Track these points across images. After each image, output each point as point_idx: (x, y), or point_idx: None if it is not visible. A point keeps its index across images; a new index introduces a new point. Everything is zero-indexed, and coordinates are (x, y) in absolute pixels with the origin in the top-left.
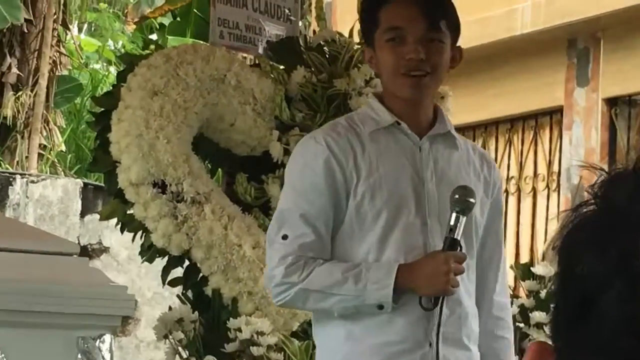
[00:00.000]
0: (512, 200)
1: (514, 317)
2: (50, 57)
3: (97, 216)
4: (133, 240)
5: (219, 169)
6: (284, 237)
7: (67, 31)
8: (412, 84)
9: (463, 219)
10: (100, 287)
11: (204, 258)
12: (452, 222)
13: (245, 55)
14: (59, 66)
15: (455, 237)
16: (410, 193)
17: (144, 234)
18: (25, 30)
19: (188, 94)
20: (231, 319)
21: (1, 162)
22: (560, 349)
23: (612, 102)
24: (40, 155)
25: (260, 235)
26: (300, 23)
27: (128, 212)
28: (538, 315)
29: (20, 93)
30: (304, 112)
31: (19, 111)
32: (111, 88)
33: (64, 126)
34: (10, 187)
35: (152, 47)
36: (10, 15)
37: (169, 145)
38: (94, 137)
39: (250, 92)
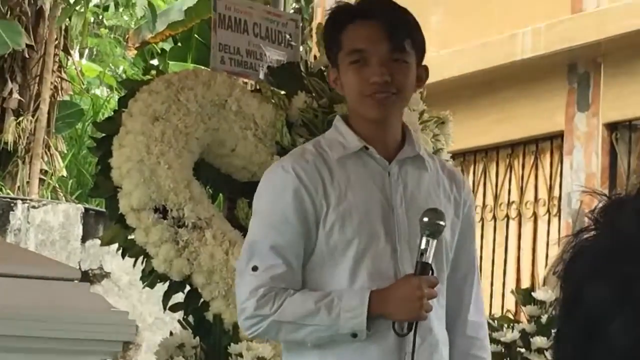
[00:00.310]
0: (513, 224)
1: (515, 342)
2: (51, 83)
3: (98, 241)
4: (134, 265)
5: (220, 195)
6: (254, 269)
7: (69, 56)
8: (377, 104)
9: (433, 242)
10: (102, 313)
11: (205, 283)
12: (422, 246)
13: (246, 80)
14: (60, 91)
15: (426, 261)
16: (379, 220)
17: (145, 260)
18: (27, 56)
19: (189, 119)
20: (232, 344)
21: (2, 188)
22: None
23: (612, 127)
24: (41, 181)
25: None
26: (301, 48)
27: (129, 237)
28: (539, 341)
29: (21, 118)
30: (305, 137)
31: (20, 136)
32: (112, 113)
33: (65, 151)
34: (11, 212)
35: (153, 72)
36: (12, 40)
37: (170, 171)
38: (95, 162)
39: (251, 117)
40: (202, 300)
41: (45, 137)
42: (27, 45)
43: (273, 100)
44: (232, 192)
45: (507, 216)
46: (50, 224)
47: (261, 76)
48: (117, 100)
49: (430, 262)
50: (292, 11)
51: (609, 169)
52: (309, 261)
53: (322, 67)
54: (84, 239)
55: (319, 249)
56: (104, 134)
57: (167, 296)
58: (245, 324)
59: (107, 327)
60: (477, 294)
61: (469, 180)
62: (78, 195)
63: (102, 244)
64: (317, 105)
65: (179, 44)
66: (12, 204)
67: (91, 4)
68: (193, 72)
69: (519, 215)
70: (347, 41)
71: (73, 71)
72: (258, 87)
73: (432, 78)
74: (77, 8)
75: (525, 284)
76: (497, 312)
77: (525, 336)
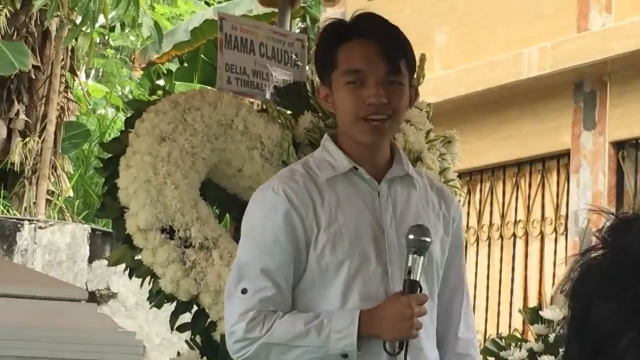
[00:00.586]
0: (520, 243)
1: None
2: (58, 103)
3: (105, 262)
4: (141, 285)
5: (227, 214)
6: (244, 291)
7: (75, 77)
8: (373, 130)
9: (420, 259)
10: (109, 333)
11: (212, 303)
12: (409, 264)
13: (252, 100)
14: (66, 112)
15: (414, 278)
16: (370, 241)
17: (152, 280)
18: (33, 77)
19: (196, 139)
20: None
21: (9, 208)
22: None
23: (619, 146)
24: (48, 201)
25: None
26: (307, 68)
27: (136, 257)
28: (547, 359)
29: (28, 139)
30: None
31: (26, 157)
32: (119, 134)
33: (72, 172)
34: (18, 232)
35: (160, 92)
36: (18, 61)
37: (177, 191)
38: (102, 182)
39: (257, 137)
40: (209, 320)
41: (52, 157)
42: (33, 66)
43: (279, 120)
44: (239, 212)
45: (514, 235)
46: (57, 245)
47: (268, 96)
48: (123, 120)
49: (418, 279)
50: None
51: (616, 187)
52: (299, 283)
53: None
54: (90, 260)
55: (310, 271)
56: (110, 155)
57: (174, 316)
58: (235, 347)
59: (114, 348)
60: (467, 311)
61: (476, 199)
62: (85, 216)
63: (109, 265)
64: (324, 125)
65: (185, 65)
66: (19, 225)
67: (97, 25)
68: (199, 93)
69: (526, 234)
70: (343, 61)
71: (79, 92)
72: (264, 107)
73: (438, 97)
74: (84, 29)
75: (533, 302)
76: (504, 331)
77: (532, 355)
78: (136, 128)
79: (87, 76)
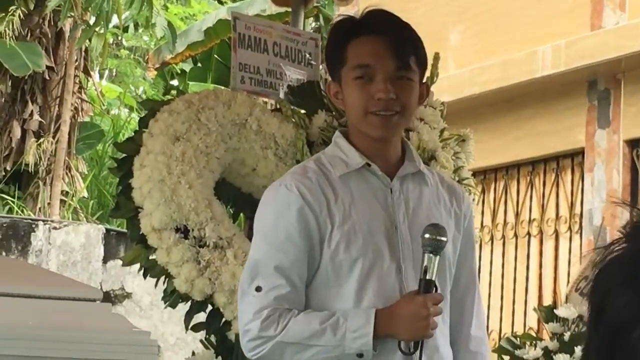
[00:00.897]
0: (535, 242)
1: None
2: (71, 104)
3: (120, 262)
4: (156, 285)
5: (241, 214)
6: (258, 289)
7: (89, 78)
8: (381, 123)
9: (436, 259)
10: (124, 333)
11: (226, 302)
12: (425, 263)
13: (266, 99)
14: (80, 113)
15: (429, 278)
16: (383, 239)
17: (166, 279)
18: (47, 78)
19: (210, 139)
20: None
21: (23, 209)
22: None
23: (633, 144)
24: (62, 202)
25: None
26: (321, 67)
27: (150, 257)
28: (562, 358)
29: (42, 140)
30: None
31: (40, 158)
32: (133, 134)
33: (86, 172)
34: (32, 233)
35: (174, 92)
36: (32, 62)
37: (191, 191)
38: (116, 183)
39: (271, 136)
40: (224, 319)
41: (66, 158)
42: (47, 67)
43: (293, 120)
44: (253, 211)
45: (529, 234)
46: (72, 245)
47: (281, 95)
48: (137, 120)
49: (433, 278)
50: (311, 30)
51: (630, 185)
52: (313, 281)
53: None
54: (105, 260)
55: (323, 268)
56: (124, 155)
57: (188, 316)
58: (249, 345)
59: (129, 348)
60: (478, 308)
61: (490, 198)
62: (99, 216)
63: (123, 265)
64: (338, 124)
65: (199, 65)
66: (34, 225)
67: (111, 25)
68: (213, 92)
69: (541, 232)
70: (352, 56)
71: (93, 92)
72: (278, 107)
73: (452, 96)
74: (97, 29)
75: (547, 301)
76: (519, 329)
77: (547, 354)
78: (150, 128)
79: (101, 77)
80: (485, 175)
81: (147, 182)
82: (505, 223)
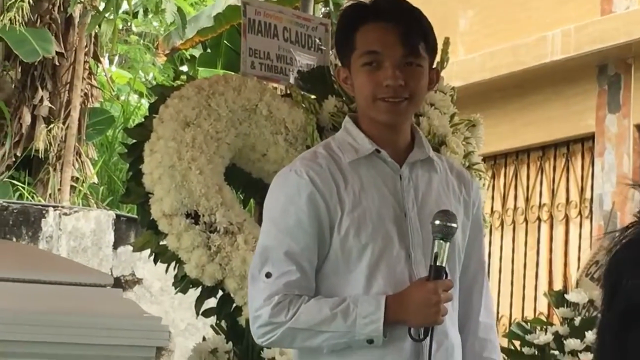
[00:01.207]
0: (545, 227)
1: (548, 345)
2: (81, 90)
3: (130, 248)
4: (166, 271)
5: (251, 199)
6: (268, 275)
7: (99, 64)
8: (390, 109)
9: (446, 245)
10: (134, 319)
11: (237, 288)
12: (435, 249)
13: (276, 85)
14: (90, 98)
15: (440, 264)
16: (393, 225)
17: (177, 265)
18: (57, 63)
19: (220, 124)
20: (265, 349)
21: (34, 195)
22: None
23: None
24: (72, 188)
25: None
26: (330, 52)
27: (161, 243)
28: (572, 343)
29: (52, 126)
30: None
31: (51, 144)
32: (143, 120)
33: (96, 158)
34: (43, 219)
35: (184, 78)
36: (42, 48)
37: (201, 176)
38: (126, 168)
39: (282, 122)
40: (234, 305)
41: (76, 144)
42: (57, 53)
43: (303, 105)
44: (263, 196)
45: (539, 219)
46: (82, 231)
47: (291, 81)
48: (147, 106)
49: (444, 265)
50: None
51: None
52: (322, 267)
53: None
54: (115, 246)
55: (333, 254)
56: (134, 140)
57: (199, 302)
58: (259, 331)
59: (140, 333)
60: (487, 294)
61: (500, 183)
62: (109, 202)
63: (134, 250)
64: (348, 109)
65: (209, 50)
66: (44, 211)
67: (120, 11)
68: (223, 78)
69: (551, 217)
70: (361, 42)
71: (103, 78)
72: (288, 92)
73: (462, 81)
74: (107, 15)
75: (558, 286)
76: (529, 314)
77: (558, 338)
78: (160, 114)
79: (111, 62)
80: (495, 160)
81: (157, 168)
82: (515, 208)
